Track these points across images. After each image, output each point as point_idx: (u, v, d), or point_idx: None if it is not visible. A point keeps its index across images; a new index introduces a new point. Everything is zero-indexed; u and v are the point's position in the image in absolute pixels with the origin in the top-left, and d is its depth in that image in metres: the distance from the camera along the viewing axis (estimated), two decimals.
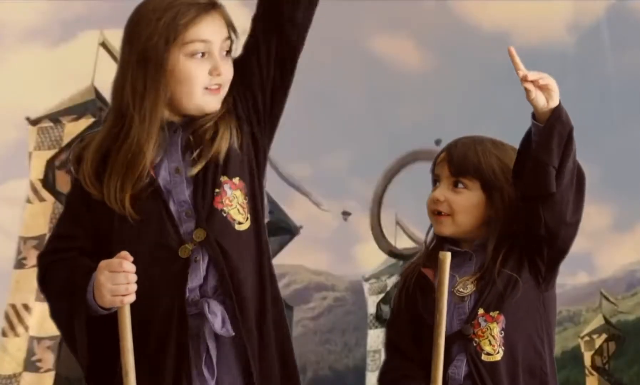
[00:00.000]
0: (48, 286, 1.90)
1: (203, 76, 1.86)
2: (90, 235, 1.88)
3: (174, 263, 1.82)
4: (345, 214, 19.07)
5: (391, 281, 15.00)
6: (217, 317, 1.80)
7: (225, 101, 1.91)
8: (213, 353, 1.81)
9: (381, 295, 14.59)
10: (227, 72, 1.89)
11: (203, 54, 1.86)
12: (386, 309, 13.29)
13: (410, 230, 14.93)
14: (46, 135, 11.71)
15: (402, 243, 14.65)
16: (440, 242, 2.10)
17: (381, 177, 13.17)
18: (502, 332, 1.97)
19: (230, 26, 1.91)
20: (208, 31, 1.86)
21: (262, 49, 1.91)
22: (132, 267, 1.74)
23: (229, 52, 1.91)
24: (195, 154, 1.86)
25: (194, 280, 1.82)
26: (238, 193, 1.89)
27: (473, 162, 2.04)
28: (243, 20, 1.93)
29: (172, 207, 1.85)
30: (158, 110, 1.85)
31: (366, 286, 16.41)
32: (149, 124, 1.83)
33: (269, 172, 2.08)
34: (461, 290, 2.01)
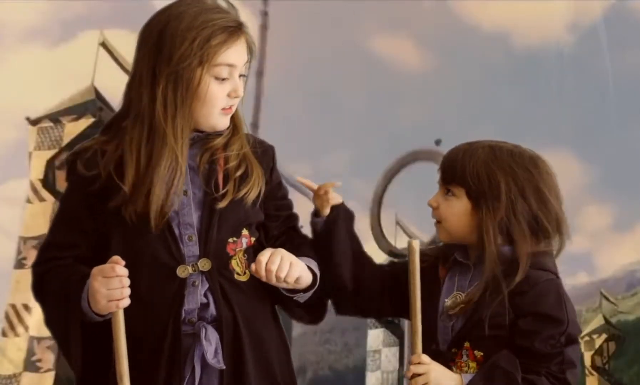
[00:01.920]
0: (43, 294, 1.89)
1: (223, 98, 1.87)
2: (90, 242, 1.88)
3: (171, 281, 1.82)
4: None
5: None
6: (211, 346, 1.81)
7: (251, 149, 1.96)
8: (197, 375, 1.81)
9: None
10: (242, 93, 1.91)
11: (224, 78, 1.86)
12: None
13: (410, 230, 14.92)
14: (46, 135, 11.71)
15: (402, 243, 14.61)
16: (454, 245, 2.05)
17: (381, 177, 13.14)
18: None
19: (250, 48, 1.91)
20: (234, 56, 1.87)
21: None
22: (125, 271, 1.74)
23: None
24: (223, 191, 1.87)
25: (191, 302, 1.83)
26: (246, 248, 1.91)
27: (458, 170, 1.98)
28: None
29: (175, 226, 1.85)
30: (189, 129, 1.86)
31: None
32: (182, 142, 1.84)
33: None
34: (452, 307, 1.95)
